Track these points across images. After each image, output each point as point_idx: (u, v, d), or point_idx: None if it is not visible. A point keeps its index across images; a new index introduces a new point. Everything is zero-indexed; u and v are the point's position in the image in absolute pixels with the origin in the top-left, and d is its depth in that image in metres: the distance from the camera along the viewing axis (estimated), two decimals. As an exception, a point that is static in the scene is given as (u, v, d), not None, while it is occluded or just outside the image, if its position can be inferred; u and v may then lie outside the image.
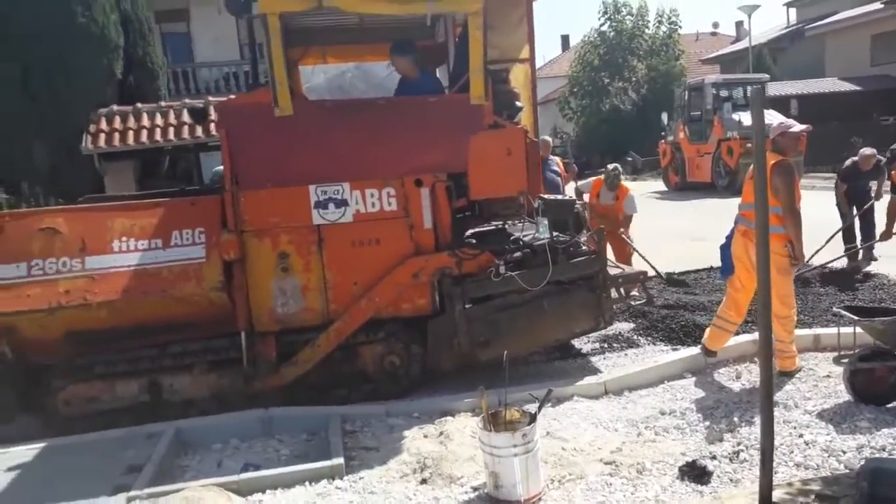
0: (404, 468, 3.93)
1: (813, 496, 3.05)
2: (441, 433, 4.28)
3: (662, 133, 21.96)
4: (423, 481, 3.79)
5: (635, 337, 6.41)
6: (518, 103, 5.47)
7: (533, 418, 3.52)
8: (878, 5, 24.33)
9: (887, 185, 7.80)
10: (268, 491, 3.81)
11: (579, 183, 8.79)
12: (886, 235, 7.74)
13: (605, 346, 6.24)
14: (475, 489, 3.62)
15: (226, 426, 4.75)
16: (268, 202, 5.00)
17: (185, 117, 12.85)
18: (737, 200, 6.44)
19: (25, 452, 4.46)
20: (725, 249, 5.27)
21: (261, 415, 4.82)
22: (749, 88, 20.01)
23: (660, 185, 21.83)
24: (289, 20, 5.16)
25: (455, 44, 6.36)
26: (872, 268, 8.01)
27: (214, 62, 20.22)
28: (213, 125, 11.25)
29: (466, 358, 5.21)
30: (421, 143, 5.11)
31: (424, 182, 5.11)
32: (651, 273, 7.52)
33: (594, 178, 8.42)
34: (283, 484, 3.85)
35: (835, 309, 5.14)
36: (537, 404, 3.71)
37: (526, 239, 5.38)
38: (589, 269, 5.30)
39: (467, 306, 5.18)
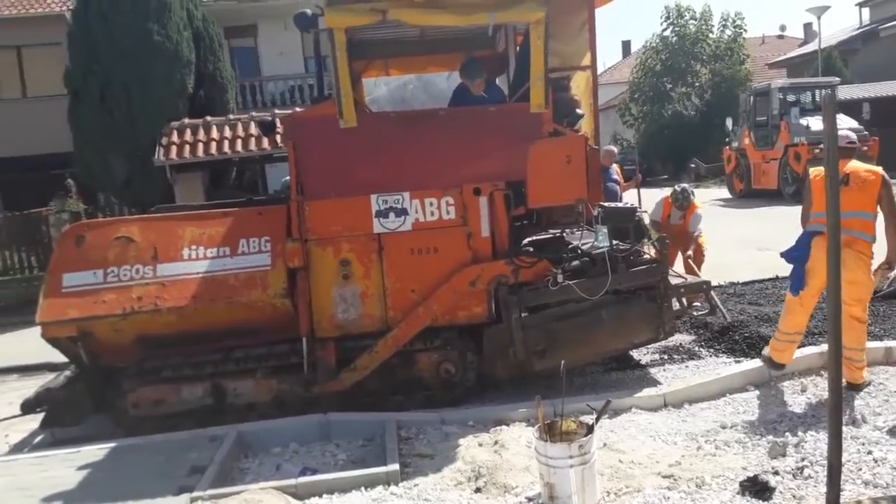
0: (458, 476, 3.96)
1: (880, 515, 2.96)
2: (496, 442, 4.30)
3: (727, 139, 21.45)
4: (478, 490, 3.82)
5: (696, 348, 6.29)
6: (578, 111, 5.47)
7: (590, 429, 3.50)
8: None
9: None
10: (325, 495, 3.89)
11: (650, 212, 8.34)
12: None
13: (665, 357, 6.16)
14: (530, 500, 3.62)
15: (286, 430, 4.88)
16: (331, 211, 5.13)
17: (253, 129, 13.26)
18: None
19: (96, 452, 4.66)
20: (798, 263, 5.02)
21: (320, 419, 4.94)
22: (818, 92, 19.45)
23: (724, 192, 21.33)
24: (353, 34, 5.30)
25: (516, 53, 6.43)
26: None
27: (280, 76, 20.80)
28: (279, 137, 11.59)
29: (522, 367, 5.21)
30: (480, 152, 5.16)
31: (483, 191, 5.15)
32: (727, 279, 7.27)
33: (662, 198, 8.20)
34: (339, 488, 3.93)
35: None
36: (594, 415, 3.69)
37: (584, 247, 5.36)
38: (650, 278, 5.24)
39: (524, 315, 5.19)
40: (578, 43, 5.78)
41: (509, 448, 4.15)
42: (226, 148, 13.25)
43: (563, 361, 3.62)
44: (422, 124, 5.25)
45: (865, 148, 17.34)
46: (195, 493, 3.83)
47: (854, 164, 4.93)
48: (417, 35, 6.68)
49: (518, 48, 6.51)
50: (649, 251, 5.49)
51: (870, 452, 3.73)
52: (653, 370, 5.88)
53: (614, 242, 5.19)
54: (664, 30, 32.61)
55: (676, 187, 7.81)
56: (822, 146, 13.10)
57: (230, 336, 5.23)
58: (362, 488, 3.92)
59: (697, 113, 29.93)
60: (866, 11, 32.11)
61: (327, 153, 5.15)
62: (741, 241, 11.84)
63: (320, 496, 3.89)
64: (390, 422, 4.77)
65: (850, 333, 4.75)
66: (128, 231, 5.17)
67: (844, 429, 4.12)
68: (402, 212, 5.18)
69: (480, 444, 4.32)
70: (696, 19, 31.98)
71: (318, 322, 5.23)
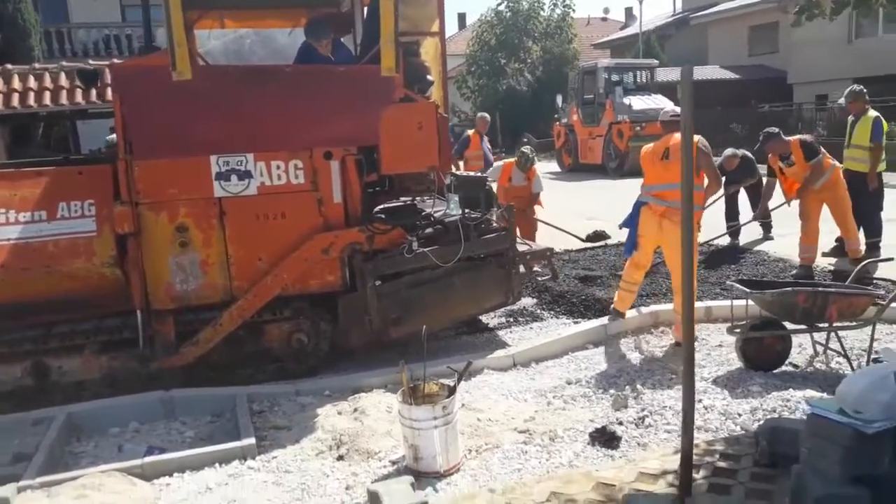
0: (319, 445, 3.86)
1: (718, 455, 3.24)
2: (355, 409, 4.23)
3: (556, 115, 22.50)
4: (340, 458, 3.74)
5: (538, 311, 6.57)
6: (429, 77, 5.41)
7: (452, 391, 3.53)
8: (755, -1, 25.84)
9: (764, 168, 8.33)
10: (175, 474, 3.64)
11: (488, 171, 8.92)
12: (761, 214, 8.28)
13: (511, 320, 6.37)
14: (393, 463, 3.60)
15: (123, 409, 4.50)
16: (165, 172, 4.73)
17: (64, 81, 11.89)
18: (627, 182, 6.77)
19: None
20: (631, 229, 5.44)
21: (161, 396, 4.60)
22: (639, 73, 20.92)
23: (553, 166, 22.41)
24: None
25: (363, 14, 6.23)
26: (755, 245, 8.54)
27: (93, 23, 18.86)
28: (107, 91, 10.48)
29: (378, 335, 5.16)
30: (330, 115, 4.97)
31: (334, 155, 4.98)
32: (562, 247, 7.81)
33: (500, 163, 8.65)
34: (191, 466, 3.68)
35: (728, 282, 5.46)
36: (454, 378, 3.72)
37: (437, 215, 5.37)
38: (499, 245, 5.36)
39: (378, 283, 5.12)
40: (427, 8, 5.71)
41: (370, 414, 4.10)
42: (31, 101, 11.79)
43: (423, 326, 3.62)
44: (267, 81, 4.96)
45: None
46: (22, 483, 3.41)
47: (676, 138, 5.26)
48: (257, -15, 6.29)
49: (366, 9, 6.35)
50: (497, 219, 5.62)
51: (700, 401, 4.08)
52: (500, 333, 6.06)
53: (466, 210, 5.25)
54: (499, 4, 33.42)
55: (523, 149, 8.23)
56: (643, 124, 14.36)
57: (52, 309, 4.72)
58: (216, 465, 3.70)
59: (529, 89, 31.08)
60: (679, 0, 34.92)
61: (160, 108, 4.72)
62: (572, 212, 12.48)
63: (170, 475, 3.63)
64: (240, 395, 4.55)
65: (679, 298, 5.19)
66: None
67: (674, 380, 4.51)
68: (245, 174, 4.89)
69: (340, 413, 4.23)
70: (528, -4, 33.04)
71: (154, 293, 4.85)
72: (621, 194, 10.30)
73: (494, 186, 8.16)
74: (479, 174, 5.82)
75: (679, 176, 4.96)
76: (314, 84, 4.96)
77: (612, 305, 5.80)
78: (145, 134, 4.66)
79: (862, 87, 7.34)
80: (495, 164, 8.77)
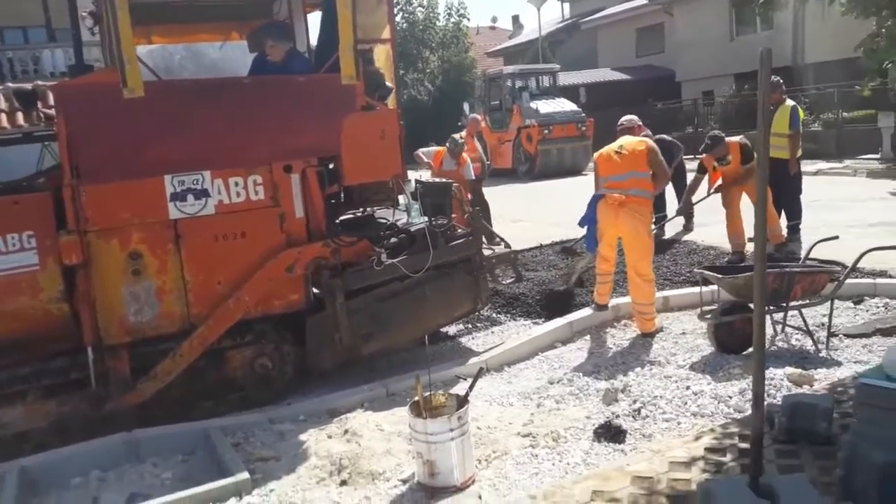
0: (318, 472, 3.66)
1: (736, 437, 3.32)
2: (346, 431, 4.06)
3: (459, 123, 22.73)
4: (343, 482, 3.56)
5: (495, 315, 6.57)
6: (388, 84, 5.31)
7: (464, 400, 3.44)
8: (642, 1, 27.14)
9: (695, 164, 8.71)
10: (168, 521, 3.35)
11: (421, 150, 9.81)
12: (685, 208, 8.65)
13: (470, 326, 6.34)
14: (404, 482, 3.47)
15: (83, 457, 4.11)
16: (116, 196, 4.41)
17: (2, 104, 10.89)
18: (540, 184, 7.06)
19: None
20: (590, 225, 5.54)
21: (125, 438, 4.24)
22: (542, 78, 21.48)
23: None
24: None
25: (305, 22, 6.08)
26: (682, 236, 8.90)
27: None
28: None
29: (349, 353, 4.98)
30: (290, 126, 4.78)
31: (294, 168, 4.79)
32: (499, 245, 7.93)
33: (433, 148, 9.51)
34: (185, 510, 3.41)
35: (696, 270, 5.66)
36: (466, 384, 3.63)
37: (399, 224, 5.26)
38: (467, 251, 5.31)
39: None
40: (377, 15, 5.61)
41: (363, 435, 3.94)
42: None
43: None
44: (223, 94, 4.72)
45: (584, 128, 19.64)
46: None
47: (627, 138, 5.79)
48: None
49: (308, 18, 6.18)
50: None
51: (688, 388, 4.19)
52: (463, 340, 6.02)
53: (430, 218, 5.18)
54: (395, 16, 33.53)
55: (454, 135, 9.04)
56: (550, 126, 14.90)
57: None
58: (211, 504, 3.44)
59: (430, 98, 31.30)
60: (567, 6, 36.20)
61: (109, 128, 4.40)
62: (495, 216, 12.64)
63: (163, 523, 3.34)
64: (213, 429, 4.26)
65: (639, 290, 5.36)
66: None
67: (656, 370, 4.61)
68: (202, 193, 4.62)
69: (330, 436, 4.05)
70: (423, 6, 33.32)
71: (106, 327, 4.49)
72: (535, 197, 10.59)
73: (428, 174, 8.93)
74: (446, 181, 5.76)
75: (629, 167, 5.32)
76: (273, 95, 4.77)
77: (592, 300, 5.92)
78: (94, 156, 4.32)
79: (779, 78, 7.80)
80: (427, 149, 9.65)
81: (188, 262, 4.63)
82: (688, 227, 9.16)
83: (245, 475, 3.59)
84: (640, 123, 7.11)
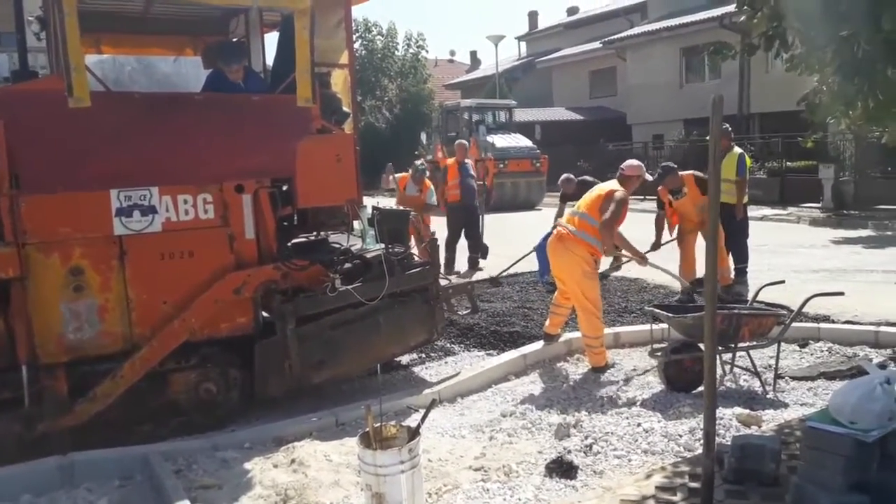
0: (263, 503, 3.52)
1: (687, 476, 3.32)
2: (293, 461, 3.91)
3: (416, 152, 22.86)
4: (288, 515, 3.43)
5: (449, 345, 6.52)
6: (346, 108, 5.28)
7: (416, 432, 3.35)
8: (595, 45, 27.91)
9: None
10: (101, 551, 3.16)
11: (392, 176, 9.94)
12: (654, 246, 8.72)
13: (424, 356, 6.26)
14: (351, 515, 3.36)
15: (13, 480, 3.86)
16: (57, 209, 4.24)
17: None
18: (492, 217, 7.20)
19: None
20: (542, 252, 5.61)
21: (59, 462, 4.01)
22: (498, 113, 21.79)
23: (419, 201, 22.65)
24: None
25: (262, 42, 6.02)
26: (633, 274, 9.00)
27: None
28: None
29: (298, 381, 4.84)
30: (243, 145, 4.69)
31: (246, 188, 4.69)
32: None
33: (397, 175, 9.77)
34: (118, 541, 3.22)
35: (647, 308, 5.71)
36: (415, 416, 3.55)
37: (354, 249, 5.19)
38: (423, 280, 5.26)
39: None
40: (336, 40, 5.60)
41: (310, 465, 3.81)
42: None
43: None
44: (175, 109, 4.61)
45: (539, 164, 19.93)
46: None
47: (609, 182, 5.76)
48: (140, 11, 5.90)
49: (265, 38, 6.12)
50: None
51: (639, 424, 4.19)
52: (416, 369, 5.94)
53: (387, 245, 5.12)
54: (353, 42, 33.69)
55: (416, 162, 9.41)
56: (506, 161, 15.12)
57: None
58: (150, 536, 3.26)
59: (388, 126, 31.42)
60: (524, 45, 37.00)
61: (53, 138, 4.24)
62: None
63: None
64: (154, 454, 4.07)
65: (585, 324, 5.38)
66: None
67: (606, 406, 4.61)
68: (149, 210, 4.48)
69: (276, 466, 3.90)
70: (382, 35, 33.58)
71: (43, 344, 4.28)
72: (490, 229, 10.70)
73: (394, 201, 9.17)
74: (402, 209, 5.72)
75: (584, 208, 5.36)
76: (226, 113, 4.68)
77: (544, 330, 5.92)
78: (35, 166, 4.15)
79: (728, 125, 8.03)
80: (390, 175, 9.86)
81: (132, 280, 4.47)
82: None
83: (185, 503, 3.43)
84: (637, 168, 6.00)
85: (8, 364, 4.22)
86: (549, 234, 5.64)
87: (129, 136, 4.44)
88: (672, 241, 7.88)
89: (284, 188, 4.93)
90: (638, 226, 8.45)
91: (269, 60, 5.97)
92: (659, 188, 7.56)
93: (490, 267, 9.43)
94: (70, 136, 4.26)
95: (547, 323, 5.89)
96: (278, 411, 4.94)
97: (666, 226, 7.72)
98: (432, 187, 9.30)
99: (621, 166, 5.75)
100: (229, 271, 4.68)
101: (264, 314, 4.90)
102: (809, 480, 2.73)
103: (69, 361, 4.36)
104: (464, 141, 11.25)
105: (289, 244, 5.16)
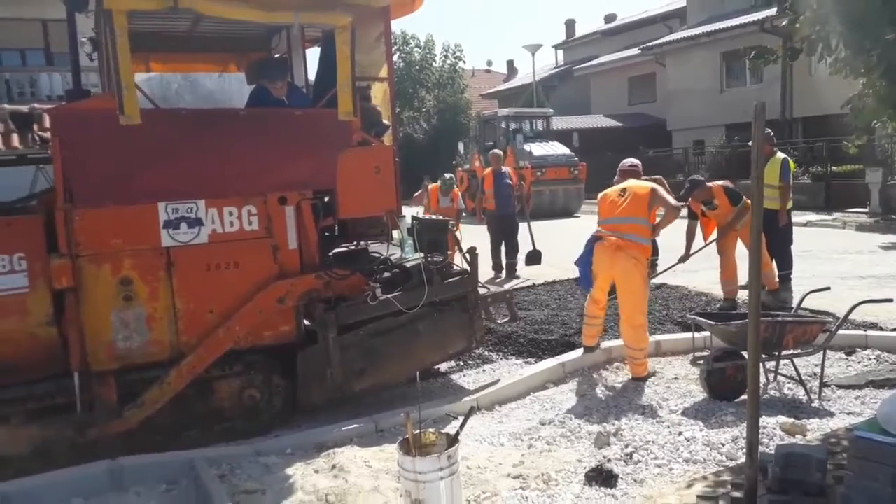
0: (304, 509, 3.59)
1: (729, 486, 3.28)
2: (333, 466, 3.98)
3: (454, 161, 22.94)
4: (330, 520, 3.49)
5: (487, 353, 6.53)
6: (385, 121, 5.36)
7: (455, 439, 3.39)
8: (634, 51, 27.72)
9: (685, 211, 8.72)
10: (151, 553, 3.26)
11: (415, 195, 10.44)
12: (684, 258, 8.62)
13: (462, 364, 6.29)
14: (391, 521, 3.41)
15: (65, 484, 4.01)
16: (108, 222, 4.39)
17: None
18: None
19: None
20: (585, 265, 5.56)
21: (109, 466, 4.15)
22: (536, 121, 21.78)
23: (456, 209, 22.72)
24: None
25: (303, 58, 6.16)
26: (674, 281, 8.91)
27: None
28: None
29: (340, 389, 4.92)
30: (286, 159, 4.81)
31: (289, 200, 4.80)
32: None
33: (422, 191, 10.24)
34: (169, 543, 3.32)
35: (688, 316, 5.65)
36: (456, 423, 3.59)
37: (393, 259, 5.26)
38: (462, 288, 5.30)
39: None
40: (376, 54, 5.69)
41: (350, 471, 3.87)
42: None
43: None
44: (220, 124, 4.75)
45: (577, 171, 19.85)
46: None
47: (631, 181, 5.82)
48: (186, 29, 6.07)
49: (306, 53, 6.26)
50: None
51: (680, 434, 4.15)
52: (454, 377, 5.97)
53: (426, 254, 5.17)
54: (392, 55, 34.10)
55: (445, 175, 9.70)
56: (543, 169, 15.24)
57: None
58: (197, 539, 3.35)
59: (426, 136, 31.63)
60: (560, 53, 36.91)
61: (105, 154, 4.40)
62: (486, 255, 12.67)
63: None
64: (199, 459, 4.18)
65: (630, 336, 5.36)
66: None
67: (646, 414, 4.58)
68: (195, 222, 4.62)
69: (317, 471, 3.97)
70: (420, 47, 33.89)
71: (94, 353, 4.43)
72: (527, 236, 10.73)
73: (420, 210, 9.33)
74: (442, 218, 5.78)
75: (629, 212, 5.35)
76: (270, 128, 4.80)
77: (583, 343, 5.88)
78: (88, 181, 4.32)
79: (770, 130, 7.91)
80: (424, 188, 10.36)
81: (179, 290, 4.60)
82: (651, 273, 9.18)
83: (229, 509, 3.51)
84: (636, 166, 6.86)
85: (62, 371, 4.37)
86: (591, 244, 5.57)
87: (177, 151, 4.58)
88: (703, 248, 7.78)
89: (326, 199, 5.04)
90: (670, 234, 8.42)
91: (311, 75, 6.11)
92: (690, 200, 7.48)
93: (541, 274, 9.50)
94: (121, 151, 4.41)
95: (583, 334, 5.86)
96: (320, 417, 5.01)
97: (699, 234, 7.61)
98: (460, 195, 9.91)
99: (625, 167, 6.22)
100: (273, 281, 4.79)
101: (306, 323, 4.99)
102: (858, 491, 2.68)
103: (119, 369, 4.50)
104: (498, 151, 11.25)
105: (330, 254, 5.25)
